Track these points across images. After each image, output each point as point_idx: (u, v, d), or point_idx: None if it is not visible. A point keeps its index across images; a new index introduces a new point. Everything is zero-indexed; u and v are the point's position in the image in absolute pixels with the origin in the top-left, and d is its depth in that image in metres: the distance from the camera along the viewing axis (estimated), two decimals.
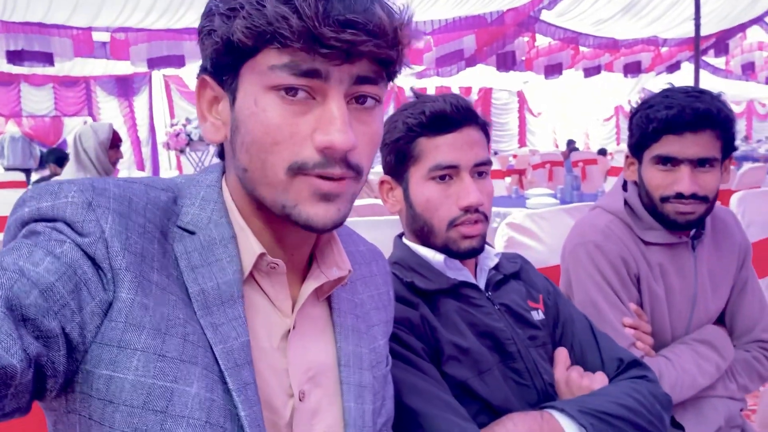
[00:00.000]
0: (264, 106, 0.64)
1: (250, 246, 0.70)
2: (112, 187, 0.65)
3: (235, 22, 0.62)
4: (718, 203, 1.48)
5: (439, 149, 1.07)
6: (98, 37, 7.72)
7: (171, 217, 0.70)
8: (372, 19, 0.63)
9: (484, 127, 1.12)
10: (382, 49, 0.64)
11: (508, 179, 8.47)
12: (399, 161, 1.11)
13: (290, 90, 0.64)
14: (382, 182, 1.16)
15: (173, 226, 0.69)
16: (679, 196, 1.36)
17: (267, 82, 0.64)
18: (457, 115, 1.07)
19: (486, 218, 1.09)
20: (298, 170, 0.65)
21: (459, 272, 1.11)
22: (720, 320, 1.55)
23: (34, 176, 9.50)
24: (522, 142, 17.20)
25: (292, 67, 0.63)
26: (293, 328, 0.74)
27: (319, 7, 0.60)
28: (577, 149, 10.59)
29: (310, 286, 0.76)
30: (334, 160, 0.65)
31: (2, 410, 0.52)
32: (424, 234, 1.11)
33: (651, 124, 1.36)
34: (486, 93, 15.87)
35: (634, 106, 1.45)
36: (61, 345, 0.57)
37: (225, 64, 0.66)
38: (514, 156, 11.41)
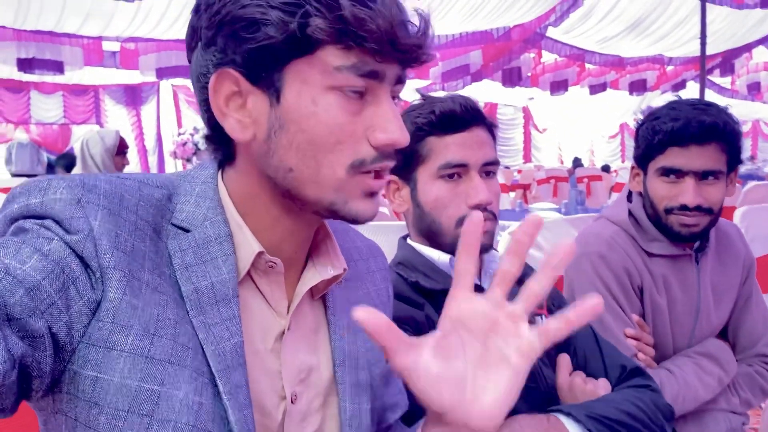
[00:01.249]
0: (326, 105, 0.64)
1: (248, 244, 0.69)
2: (103, 184, 0.64)
3: (312, 20, 0.61)
4: (722, 218, 1.48)
5: (448, 148, 1.08)
6: (108, 46, 7.79)
7: (165, 214, 0.68)
8: (427, 24, 0.66)
9: (491, 128, 1.13)
10: (428, 52, 0.67)
11: (512, 194, 8.46)
12: (407, 161, 1.12)
13: (353, 90, 0.65)
14: (388, 182, 1.16)
15: (167, 223, 0.68)
16: (684, 208, 1.36)
17: (330, 82, 0.64)
18: (466, 115, 1.08)
19: (495, 217, 1.10)
20: (357, 167, 0.66)
21: None
22: (722, 334, 1.54)
23: None
24: (527, 158, 17.21)
25: (358, 68, 0.63)
26: (288, 328, 0.73)
27: (393, 12, 0.62)
28: (581, 165, 10.60)
29: (306, 285, 0.75)
30: (389, 154, 0.68)
31: None
32: (431, 233, 1.11)
33: (656, 136, 1.36)
34: (491, 108, 15.90)
35: (637, 119, 1.46)
36: (48, 345, 0.56)
37: (269, 61, 0.64)
38: (519, 171, 11.42)
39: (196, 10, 0.67)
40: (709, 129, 1.32)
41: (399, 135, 0.67)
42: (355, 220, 0.69)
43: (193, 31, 0.68)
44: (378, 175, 0.68)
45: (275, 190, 0.69)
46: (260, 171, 0.69)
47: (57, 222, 0.60)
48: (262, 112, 0.66)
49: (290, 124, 0.65)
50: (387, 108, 0.67)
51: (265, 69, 0.64)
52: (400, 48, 0.64)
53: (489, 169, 1.10)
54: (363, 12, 0.61)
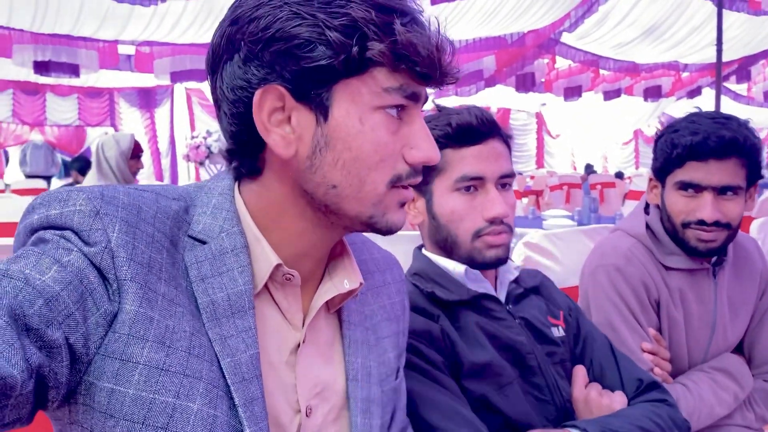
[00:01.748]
0: (372, 125, 0.67)
1: (266, 256, 0.70)
2: (121, 196, 0.65)
3: (371, 43, 0.63)
4: (740, 231, 1.46)
5: (465, 161, 1.08)
6: (123, 50, 7.86)
7: (182, 226, 0.69)
8: (453, 46, 0.69)
9: (507, 140, 1.13)
10: (458, 75, 0.71)
11: (525, 200, 8.43)
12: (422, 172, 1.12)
13: (397, 110, 0.68)
14: None
15: (184, 235, 0.68)
16: (701, 223, 1.34)
17: (378, 103, 0.66)
18: (482, 128, 1.08)
19: (510, 229, 1.10)
20: (395, 183, 0.69)
21: (480, 284, 1.11)
22: (739, 349, 1.53)
23: (57, 182, 9.61)
24: (540, 164, 17.14)
25: (404, 89, 0.67)
26: (303, 341, 0.73)
27: (439, 38, 0.66)
28: (595, 172, 10.54)
29: (322, 298, 0.75)
30: (421, 170, 0.72)
31: (2, 420, 0.52)
32: (447, 245, 1.11)
33: (675, 150, 1.35)
34: (504, 114, 15.86)
35: (657, 130, 1.45)
36: (65, 356, 0.57)
37: (321, 79, 0.65)
38: (532, 177, 11.37)
39: (235, 21, 0.67)
40: (728, 144, 1.30)
41: (433, 153, 0.71)
42: (389, 231, 0.71)
43: (229, 42, 0.67)
44: (404, 185, 0.71)
45: (310, 204, 0.70)
46: (295, 185, 0.69)
47: (76, 233, 0.61)
48: (307, 129, 0.67)
49: (337, 142, 0.66)
50: (420, 127, 0.70)
51: (314, 87, 0.65)
52: (441, 72, 0.67)
53: (505, 181, 1.10)
54: (415, 38, 0.64)
